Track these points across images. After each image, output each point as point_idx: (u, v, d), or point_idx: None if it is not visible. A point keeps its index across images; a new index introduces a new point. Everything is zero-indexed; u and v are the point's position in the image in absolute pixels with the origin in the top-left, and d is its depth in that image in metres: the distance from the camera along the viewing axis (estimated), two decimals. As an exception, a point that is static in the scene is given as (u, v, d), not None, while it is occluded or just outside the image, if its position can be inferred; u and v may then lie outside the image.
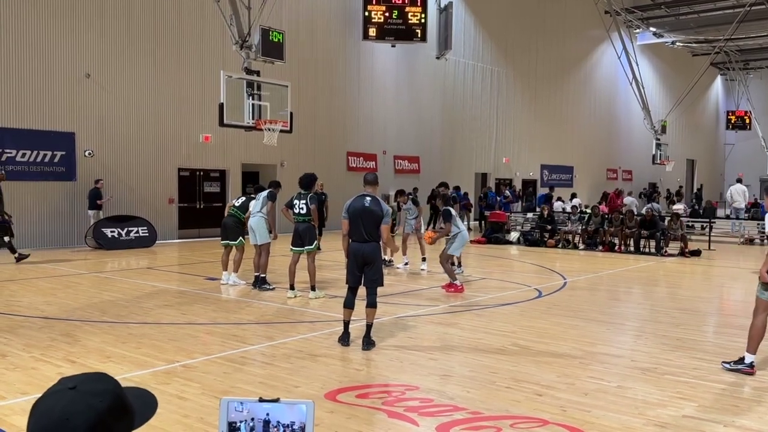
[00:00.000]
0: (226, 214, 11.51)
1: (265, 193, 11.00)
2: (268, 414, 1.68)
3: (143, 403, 1.48)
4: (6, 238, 13.73)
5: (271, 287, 10.71)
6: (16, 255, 13.68)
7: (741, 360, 6.31)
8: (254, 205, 10.93)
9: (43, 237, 16.30)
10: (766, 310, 6.25)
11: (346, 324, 7.13)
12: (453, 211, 11.11)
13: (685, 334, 8.04)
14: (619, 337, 8.06)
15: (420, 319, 8.72)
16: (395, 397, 5.44)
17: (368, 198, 7.12)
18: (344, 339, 7.10)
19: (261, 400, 1.70)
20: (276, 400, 1.70)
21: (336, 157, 23.46)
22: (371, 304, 7.11)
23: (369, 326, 7.13)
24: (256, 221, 10.84)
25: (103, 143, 17.43)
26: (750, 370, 6.22)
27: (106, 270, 13.16)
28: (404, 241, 13.80)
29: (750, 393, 5.76)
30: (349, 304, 7.15)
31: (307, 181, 9.93)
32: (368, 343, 7.05)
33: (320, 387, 5.66)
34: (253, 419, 1.72)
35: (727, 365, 6.35)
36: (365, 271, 7.06)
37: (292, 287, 10.04)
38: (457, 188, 23.65)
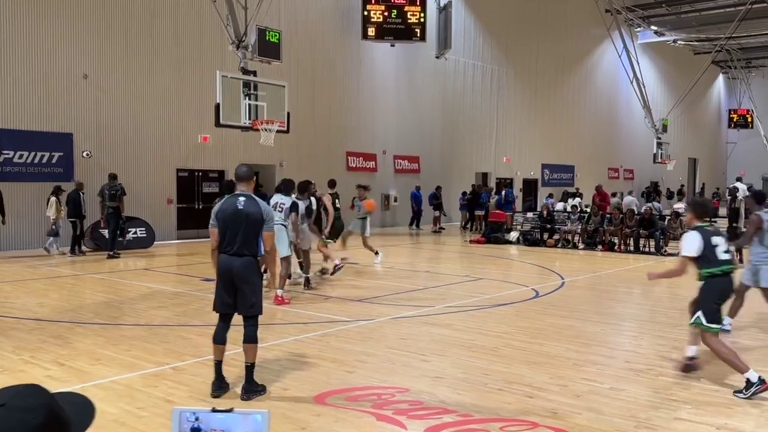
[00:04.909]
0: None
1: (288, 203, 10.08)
2: (197, 421, 1.62)
3: (80, 411, 1.41)
4: (122, 239, 15.64)
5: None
6: (115, 252, 15.11)
7: (749, 383, 5.56)
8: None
9: (41, 238, 16.24)
10: (715, 335, 5.83)
11: (218, 365, 5.51)
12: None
13: (682, 335, 7.94)
14: (615, 338, 7.99)
15: (415, 320, 8.66)
16: (384, 400, 5.39)
17: (242, 198, 5.59)
18: (216, 386, 5.48)
19: (214, 411, 1.65)
20: (230, 411, 1.65)
21: (335, 157, 23.40)
22: (250, 339, 5.52)
23: (249, 368, 5.47)
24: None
25: (101, 144, 17.40)
26: (763, 386, 5.52)
27: (103, 271, 13.11)
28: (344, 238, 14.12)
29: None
30: (219, 339, 5.56)
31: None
32: (249, 391, 5.41)
33: (310, 389, 5.62)
34: (214, 430, 1.67)
35: (742, 395, 5.56)
36: (238, 294, 5.53)
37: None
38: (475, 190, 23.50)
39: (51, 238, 15.34)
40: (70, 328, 7.84)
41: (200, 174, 20.05)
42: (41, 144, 16.22)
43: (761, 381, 5.52)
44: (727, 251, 5.86)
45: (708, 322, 5.77)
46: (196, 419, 1.63)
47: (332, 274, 12.13)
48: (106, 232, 16.71)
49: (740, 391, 5.59)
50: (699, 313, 5.84)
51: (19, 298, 9.84)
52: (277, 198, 10.23)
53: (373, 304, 9.68)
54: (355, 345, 7.22)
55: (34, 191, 16.14)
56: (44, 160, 16.32)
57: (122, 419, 4.93)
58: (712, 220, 21.22)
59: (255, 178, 6.03)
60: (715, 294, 5.83)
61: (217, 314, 5.71)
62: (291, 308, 9.34)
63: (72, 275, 12.35)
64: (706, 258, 5.79)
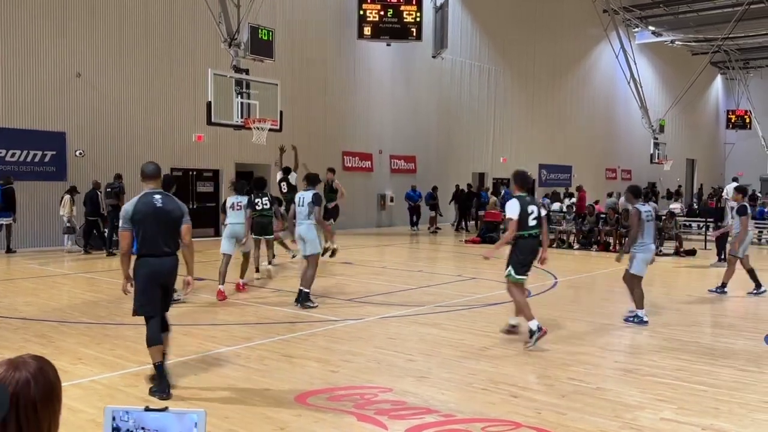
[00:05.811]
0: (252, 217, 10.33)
1: (310, 197, 9.19)
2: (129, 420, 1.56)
3: None
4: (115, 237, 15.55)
5: (314, 304, 9.11)
6: (112, 250, 15.02)
7: (531, 332, 6.95)
8: (300, 212, 9.23)
9: (34, 237, 16.18)
10: (517, 284, 7.24)
11: (160, 366, 5.38)
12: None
13: (672, 335, 7.91)
14: (603, 338, 7.91)
15: (404, 320, 8.59)
16: (367, 400, 5.32)
17: (158, 196, 5.41)
18: (162, 387, 5.34)
19: (147, 410, 1.58)
20: (164, 410, 1.59)
21: (331, 157, 23.25)
22: (167, 327, 5.67)
23: (164, 357, 5.50)
24: (305, 229, 9.17)
25: (94, 143, 17.31)
26: (541, 332, 6.92)
27: (94, 270, 13.04)
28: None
29: (731, 394, 5.61)
30: (157, 340, 5.40)
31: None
32: (161, 384, 5.38)
33: (291, 389, 5.54)
34: (143, 428, 1.60)
35: (531, 345, 6.91)
36: (166, 293, 5.53)
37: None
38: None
39: (66, 236, 15.88)
40: (55, 327, 7.77)
41: (194, 173, 19.97)
42: (34, 143, 16.14)
43: (539, 328, 6.90)
44: (536, 218, 7.12)
45: (515, 274, 7.15)
46: (126, 418, 1.56)
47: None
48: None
49: (529, 343, 6.92)
50: (509, 268, 7.17)
51: (7, 297, 9.75)
52: (233, 199, 10.28)
53: (363, 304, 9.61)
54: (342, 344, 7.15)
55: (27, 190, 16.05)
56: (37, 159, 16.24)
57: (100, 419, 4.84)
58: (708, 220, 21.26)
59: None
60: (522, 252, 7.13)
61: (144, 317, 5.52)
62: (279, 308, 9.27)
63: (62, 274, 12.28)
64: (519, 222, 7.04)
